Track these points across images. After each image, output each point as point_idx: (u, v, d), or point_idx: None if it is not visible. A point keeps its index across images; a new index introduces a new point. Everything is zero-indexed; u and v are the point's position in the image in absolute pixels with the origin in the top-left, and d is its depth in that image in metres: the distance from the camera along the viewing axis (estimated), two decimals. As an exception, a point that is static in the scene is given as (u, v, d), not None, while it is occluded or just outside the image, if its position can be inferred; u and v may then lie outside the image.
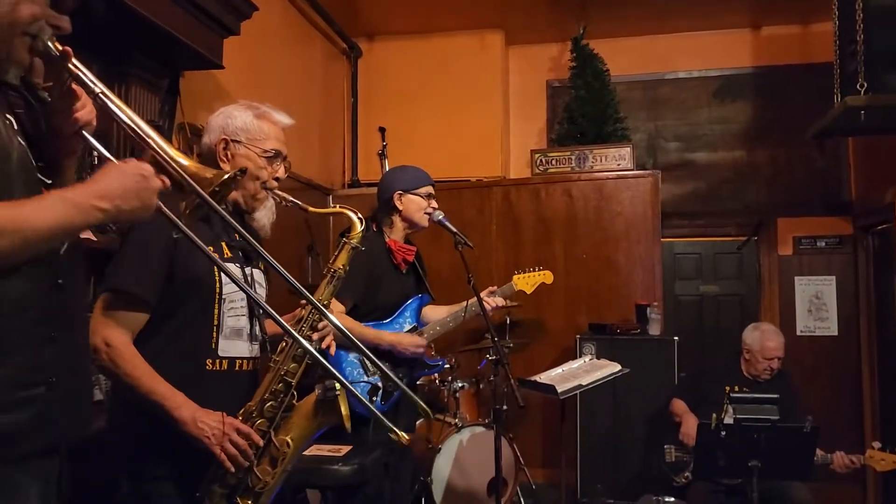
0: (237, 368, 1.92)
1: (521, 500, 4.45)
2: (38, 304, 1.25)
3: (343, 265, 2.06)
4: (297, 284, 1.52)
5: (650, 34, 5.80)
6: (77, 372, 1.39)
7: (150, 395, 1.70)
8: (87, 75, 1.36)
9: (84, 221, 1.26)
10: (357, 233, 2.10)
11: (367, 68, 5.99)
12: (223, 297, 1.87)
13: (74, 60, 1.32)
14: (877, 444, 3.49)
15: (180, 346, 1.83)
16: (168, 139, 3.23)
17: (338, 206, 2.21)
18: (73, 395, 1.36)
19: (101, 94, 1.39)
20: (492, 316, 3.03)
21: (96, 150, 1.41)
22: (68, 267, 1.34)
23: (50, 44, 1.28)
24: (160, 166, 1.43)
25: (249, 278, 1.97)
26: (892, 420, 4.63)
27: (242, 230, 1.60)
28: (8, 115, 1.29)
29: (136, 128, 1.47)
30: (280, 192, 2.04)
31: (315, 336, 1.99)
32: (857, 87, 3.63)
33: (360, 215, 2.13)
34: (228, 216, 1.54)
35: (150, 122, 3.00)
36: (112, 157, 1.40)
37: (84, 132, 1.37)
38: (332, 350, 2.09)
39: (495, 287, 3.32)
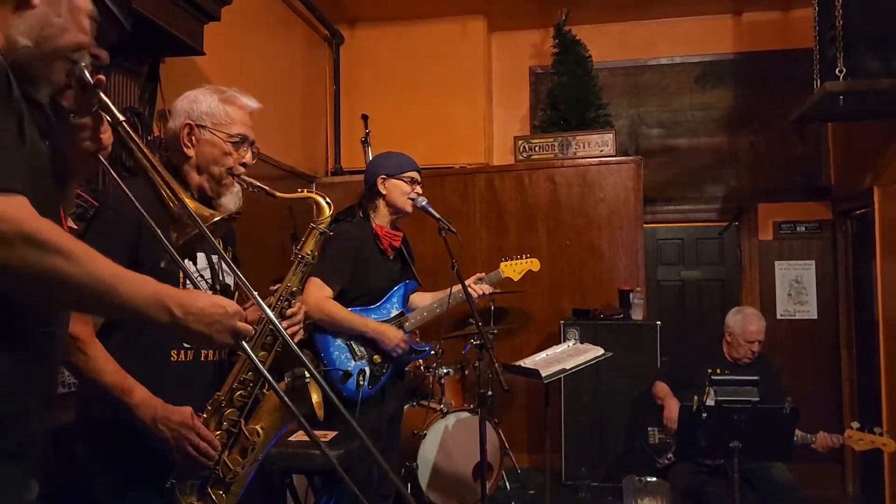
0: (203, 359, 1.89)
1: (507, 484, 4.49)
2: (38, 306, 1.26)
3: (311, 251, 2.02)
4: (270, 313, 1.48)
5: (632, 20, 5.82)
6: (57, 366, 1.41)
7: (111, 391, 1.68)
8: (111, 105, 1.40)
9: (152, 314, 1.28)
10: (325, 218, 2.05)
11: (349, 55, 5.96)
12: (187, 287, 1.82)
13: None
14: (855, 425, 3.55)
15: (144, 337, 1.79)
16: (149, 126, 3.22)
17: (305, 191, 2.14)
18: (50, 388, 1.37)
19: (122, 124, 1.41)
20: (477, 302, 3.05)
21: (109, 172, 1.44)
22: None
23: (87, 72, 1.33)
24: (162, 201, 1.46)
25: (217, 267, 1.94)
26: (870, 401, 4.70)
27: (231, 263, 1.58)
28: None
29: (147, 159, 1.47)
30: (247, 178, 1.98)
31: (284, 324, 1.95)
32: (837, 72, 3.65)
33: (328, 200, 2.09)
34: (222, 251, 1.53)
35: (129, 109, 3.00)
36: (119, 181, 1.43)
37: (100, 156, 1.42)
38: (298, 338, 2.03)
39: (483, 274, 3.33)
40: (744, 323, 3.94)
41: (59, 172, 1.38)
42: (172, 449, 1.72)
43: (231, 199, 1.99)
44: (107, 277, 1.20)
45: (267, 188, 2.00)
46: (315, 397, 1.84)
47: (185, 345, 1.85)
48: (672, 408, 3.83)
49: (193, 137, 1.94)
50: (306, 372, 1.81)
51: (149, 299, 1.26)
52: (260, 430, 1.84)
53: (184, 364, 1.85)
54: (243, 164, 1.98)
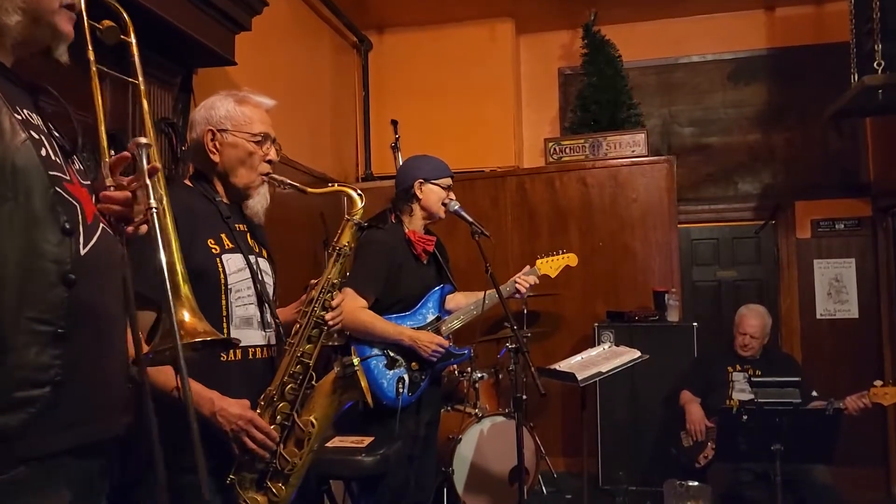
0: (251, 357, 1.93)
1: (543, 488, 4.46)
2: (41, 302, 1.20)
3: (348, 242, 2.06)
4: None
5: (662, 18, 5.75)
6: (102, 369, 1.33)
7: (167, 390, 1.67)
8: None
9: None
10: (358, 209, 2.09)
11: (377, 61, 5.98)
12: (229, 287, 1.88)
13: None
14: (878, 382, 3.51)
15: None
16: (183, 136, 3.29)
17: (335, 184, 2.20)
18: (95, 394, 1.31)
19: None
20: (511, 304, 3.02)
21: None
22: (89, 265, 1.28)
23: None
24: None
25: (255, 267, 1.97)
26: (916, 402, 4.58)
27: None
28: (31, 113, 1.30)
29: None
30: (277, 177, 2.03)
31: (328, 316, 1.99)
32: (875, 65, 3.59)
33: (359, 192, 2.13)
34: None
35: (163, 120, 3.06)
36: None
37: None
38: (339, 327, 2.10)
39: (530, 266, 3.30)
40: (743, 315, 4.12)
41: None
42: (230, 441, 1.76)
43: (258, 200, 2.04)
44: None
45: (298, 185, 2.05)
46: (364, 384, 1.93)
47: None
48: (693, 412, 3.95)
49: (217, 143, 1.98)
50: (354, 360, 1.90)
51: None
52: (314, 421, 1.92)
53: (233, 363, 1.88)
54: (269, 162, 2.02)
